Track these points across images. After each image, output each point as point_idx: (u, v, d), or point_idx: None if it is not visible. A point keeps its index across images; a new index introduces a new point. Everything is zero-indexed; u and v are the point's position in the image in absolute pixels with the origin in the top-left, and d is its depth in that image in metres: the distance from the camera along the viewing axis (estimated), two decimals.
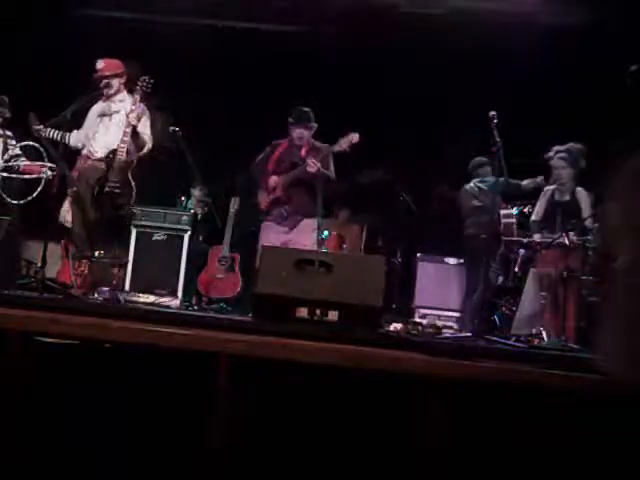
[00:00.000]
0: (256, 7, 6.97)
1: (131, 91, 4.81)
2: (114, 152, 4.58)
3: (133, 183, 4.55)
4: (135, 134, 4.66)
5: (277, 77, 7.01)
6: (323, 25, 7.03)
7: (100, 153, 4.75)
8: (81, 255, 4.75)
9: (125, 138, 4.60)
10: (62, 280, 5.37)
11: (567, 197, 5.20)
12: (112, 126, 4.73)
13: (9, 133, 5.73)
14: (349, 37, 6.98)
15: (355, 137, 4.91)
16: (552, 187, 5.30)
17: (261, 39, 7.21)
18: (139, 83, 4.72)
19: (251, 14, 7.11)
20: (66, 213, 4.91)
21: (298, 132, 5.10)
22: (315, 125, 5.17)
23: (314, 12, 6.90)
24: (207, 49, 7.05)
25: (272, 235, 5.05)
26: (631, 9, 6.15)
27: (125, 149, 4.58)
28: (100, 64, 4.82)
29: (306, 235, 5.04)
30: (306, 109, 5.17)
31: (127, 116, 4.65)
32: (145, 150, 4.77)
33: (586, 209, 5.11)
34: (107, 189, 4.50)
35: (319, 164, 4.93)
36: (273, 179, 5.09)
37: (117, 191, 4.50)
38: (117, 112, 4.76)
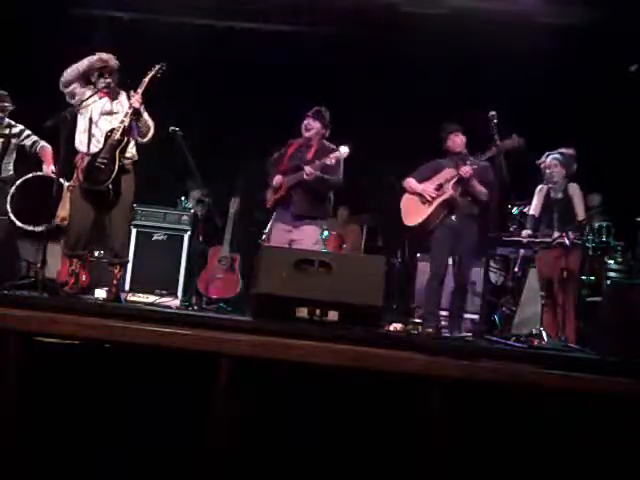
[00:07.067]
0: (256, 7, 6.97)
1: (126, 91, 4.78)
2: (112, 130, 4.58)
3: (118, 163, 4.52)
4: (139, 118, 4.63)
5: (277, 77, 7.01)
6: (323, 25, 7.03)
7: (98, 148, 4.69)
8: (73, 254, 4.72)
9: (125, 118, 4.59)
10: (62, 280, 5.36)
11: (560, 195, 5.25)
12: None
13: (15, 130, 5.56)
14: (349, 37, 6.99)
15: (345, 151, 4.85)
16: (546, 186, 5.34)
17: (261, 39, 7.21)
18: (155, 68, 4.72)
19: (251, 14, 7.12)
20: (60, 211, 4.87)
21: (305, 122, 5.04)
22: (328, 124, 5.08)
23: (314, 12, 6.89)
24: (207, 49, 7.05)
25: (278, 234, 5.01)
26: (631, 9, 6.16)
27: (122, 128, 4.57)
28: (106, 56, 4.78)
29: (308, 241, 5.00)
30: (324, 109, 5.09)
31: (129, 98, 4.64)
32: (149, 136, 4.72)
33: (578, 204, 5.17)
34: (96, 164, 4.52)
35: (315, 172, 4.84)
36: (277, 179, 5.04)
37: (102, 166, 4.49)
38: (119, 112, 4.71)
